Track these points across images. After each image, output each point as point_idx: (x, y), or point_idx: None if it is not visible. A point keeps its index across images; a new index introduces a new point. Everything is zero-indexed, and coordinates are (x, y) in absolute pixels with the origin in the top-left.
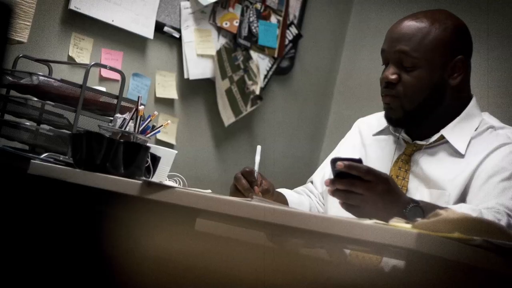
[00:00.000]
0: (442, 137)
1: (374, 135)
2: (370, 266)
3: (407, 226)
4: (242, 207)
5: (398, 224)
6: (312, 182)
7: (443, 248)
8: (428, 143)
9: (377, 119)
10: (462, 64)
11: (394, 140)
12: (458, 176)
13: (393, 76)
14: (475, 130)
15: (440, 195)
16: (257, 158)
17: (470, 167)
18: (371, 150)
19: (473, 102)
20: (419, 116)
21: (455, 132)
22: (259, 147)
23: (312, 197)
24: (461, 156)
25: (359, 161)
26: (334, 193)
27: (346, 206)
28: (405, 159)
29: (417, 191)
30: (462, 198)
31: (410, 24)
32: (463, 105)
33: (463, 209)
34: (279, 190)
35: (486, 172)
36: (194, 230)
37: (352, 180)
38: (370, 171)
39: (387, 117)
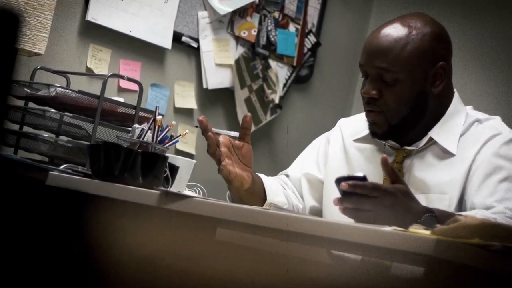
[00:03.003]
0: (430, 139)
1: (355, 140)
2: (383, 272)
3: (426, 233)
4: (261, 216)
5: (417, 230)
6: (287, 176)
7: (462, 254)
8: (418, 147)
9: (360, 122)
10: (443, 70)
11: (378, 149)
12: (454, 176)
13: (374, 92)
14: (462, 126)
15: (439, 199)
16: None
17: (464, 165)
18: (355, 160)
19: (456, 99)
20: (404, 128)
21: (443, 132)
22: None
23: (286, 189)
24: (453, 155)
25: (363, 178)
26: (344, 211)
27: (359, 222)
28: (397, 167)
29: None
30: (462, 198)
31: (387, 36)
32: (447, 105)
33: (478, 215)
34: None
35: (482, 169)
36: (215, 240)
37: (359, 198)
38: (375, 188)
39: (372, 132)
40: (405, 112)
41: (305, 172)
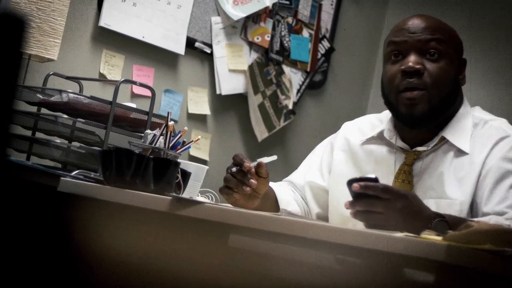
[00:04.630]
0: (442, 138)
1: (363, 143)
2: (395, 278)
3: (438, 239)
4: (273, 222)
5: (429, 236)
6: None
7: (475, 260)
8: (429, 148)
9: (365, 124)
10: (464, 66)
11: (388, 150)
12: (465, 182)
13: (418, 66)
14: (471, 127)
15: (449, 204)
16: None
17: (474, 170)
18: (364, 163)
19: (466, 99)
20: (440, 112)
21: (456, 132)
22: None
23: (296, 193)
24: (465, 154)
25: (375, 179)
26: (355, 215)
27: (369, 226)
28: (408, 170)
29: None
30: (473, 204)
31: (430, 18)
32: (459, 104)
33: (492, 221)
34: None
35: (492, 175)
36: (228, 246)
37: (370, 200)
38: (387, 189)
39: (409, 114)
40: (445, 92)
41: (308, 181)
